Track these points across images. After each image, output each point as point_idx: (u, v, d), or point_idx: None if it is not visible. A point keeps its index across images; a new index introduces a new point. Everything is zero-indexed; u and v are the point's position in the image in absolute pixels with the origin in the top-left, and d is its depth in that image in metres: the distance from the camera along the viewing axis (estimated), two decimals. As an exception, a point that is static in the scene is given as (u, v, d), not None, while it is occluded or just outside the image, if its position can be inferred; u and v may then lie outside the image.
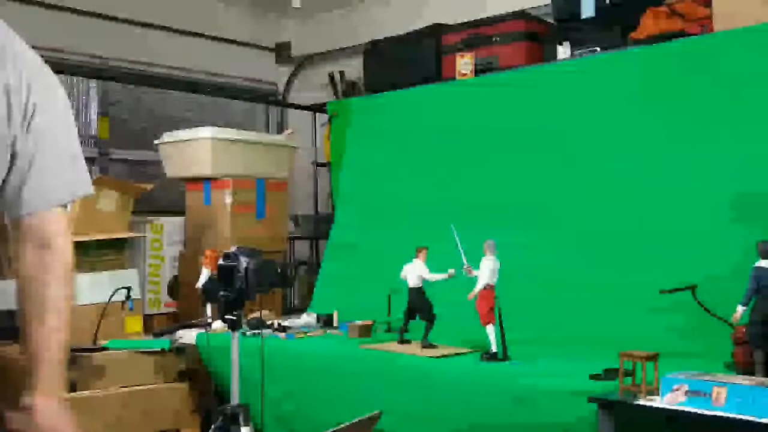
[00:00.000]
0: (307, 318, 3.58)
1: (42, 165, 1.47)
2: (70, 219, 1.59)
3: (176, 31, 5.13)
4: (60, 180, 1.51)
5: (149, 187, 4.09)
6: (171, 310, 4.31)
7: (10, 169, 1.46)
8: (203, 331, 3.20)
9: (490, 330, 2.58)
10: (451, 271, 2.68)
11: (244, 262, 1.99)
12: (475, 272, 2.57)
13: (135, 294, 3.67)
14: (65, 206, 1.56)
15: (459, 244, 2.65)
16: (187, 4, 5.19)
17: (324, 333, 3.35)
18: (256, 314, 3.29)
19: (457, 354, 2.73)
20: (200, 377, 3.28)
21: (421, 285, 2.84)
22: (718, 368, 2.22)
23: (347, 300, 3.67)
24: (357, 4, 5.31)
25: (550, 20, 3.88)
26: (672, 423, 1.98)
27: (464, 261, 2.59)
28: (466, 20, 4.15)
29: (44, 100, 1.48)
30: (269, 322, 3.44)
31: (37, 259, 1.52)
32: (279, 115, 5.86)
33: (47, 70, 1.55)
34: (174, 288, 4.31)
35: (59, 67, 4.33)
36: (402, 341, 2.93)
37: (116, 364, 3.18)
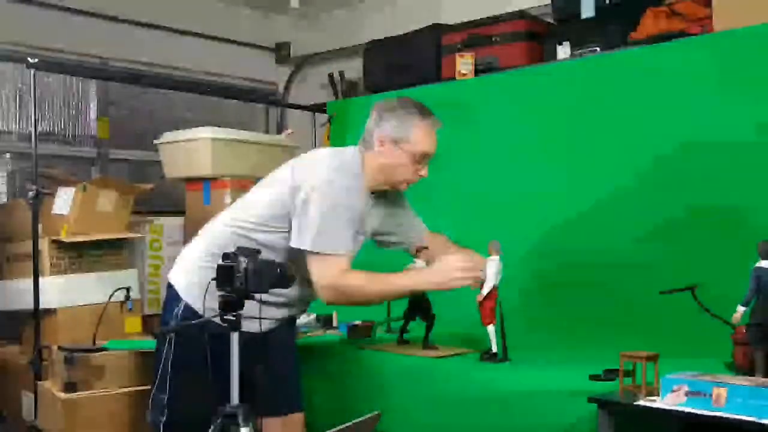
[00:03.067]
0: (307, 318, 3.57)
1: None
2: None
3: (176, 31, 5.13)
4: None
5: (149, 187, 4.09)
6: (171, 310, 4.30)
7: None
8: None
9: (491, 330, 2.58)
10: None
11: (243, 262, 1.99)
12: None
13: (134, 294, 3.67)
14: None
15: None
16: (187, 4, 5.19)
17: (324, 333, 3.35)
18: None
19: (457, 354, 2.73)
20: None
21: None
22: (718, 368, 2.22)
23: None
24: (357, 4, 5.30)
25: (550, 20, 3.88)
26: (672, 423, 1.98)
27: None
28: (466, 20, 4.15)
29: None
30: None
31: None
32: (279, 115, 5.86)
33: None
34: (174, 288, 4.30)
35: (60, 67, 4.36)
36: (402, 341, 2.93)
37: (116, 364, 3.19)
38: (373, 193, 2.53)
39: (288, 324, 2.66)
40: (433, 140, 2.51)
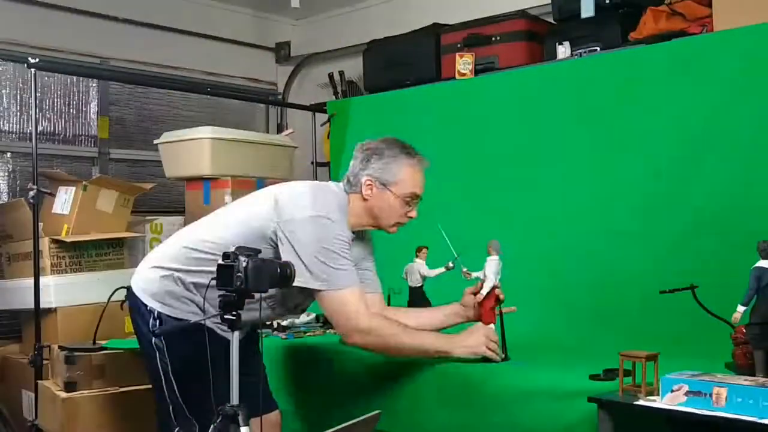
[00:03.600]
0: (307, 318, 3.57)
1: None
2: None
3: (176, 31, 5.12)
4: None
5: (148, 186, 4.09)
6: (171, 309, 4.30)
7: None
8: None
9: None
10: (449, 263, 2.67)
11: (243, 261, 1.99)
12: (473, 274, 2.57)
13: (135, 294, 3.66)
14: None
15: (449, 243, 2.67)
16: (187, 4, 5.19)
17: (324, 333, 3.35)
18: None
19: (457, 354, 2.72)
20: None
21: (421, 285, 2.84)
22: (718, 368, 2.21)
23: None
24: (357, 4, 5.30)
25: (550, 20, 3.88)
26: (672, 423, 1.98)
27: (460, 264, 2.60)
28: (465, 20, 4.15)
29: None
30: (269, 322, 3.44)
31: None
32: (279, 114, 5.86)
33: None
34: (174, 288, 4.30)
35: (60, 67, 4.36)
36: (402, 341, 2.92)
37: (116, 364, 3.19)
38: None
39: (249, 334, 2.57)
40: (422, 179, 2.49)
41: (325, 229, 2.30)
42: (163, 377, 2.38)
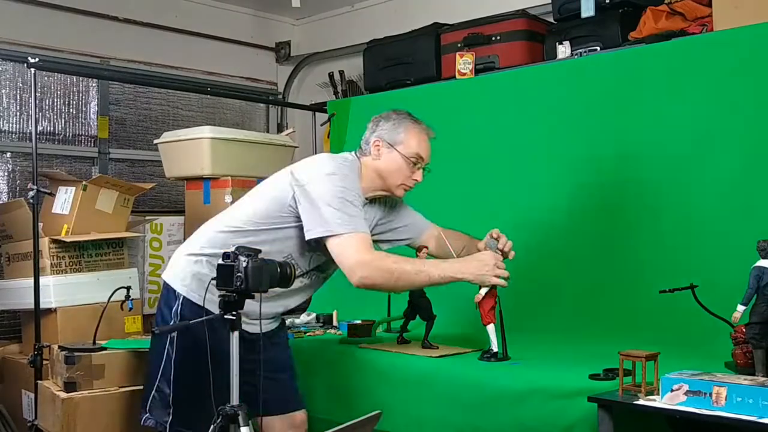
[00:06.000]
0: (307, 318, 3.57)
1: None
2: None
3: (176, 30, 5.12)
4: None
5: (148, 186, 4.09)
6: (171, 309, 4.30)
7: None
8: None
9: (491, 329, 2.58)
10: None
11: (243, 261, 1.99)
12: None
13: (134, 294, 3.67)
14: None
15: (448, 244, 2.69)
16: (187, 4, 5.19)
17: (324, 333, 3.35)
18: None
19: (457, 354, 2.73)
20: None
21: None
22: (718, 368, 2.22)
23: (347, 300, 3.66)
24: (357, 4, 5.30)
25: (550, 19, 3.88)
26: (672, 423, 1.98)
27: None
28: (465, 19, 4.15)
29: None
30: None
31: None
32: (279, 114, 5.86)
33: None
34: (173, 288, 4.30)
35: (60, 67, 4.36)
36: (402, 341, 2.93)
37: (116, 364, 3.18)
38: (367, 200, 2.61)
39: (281, 323, 2.71)
40: (427, 145, 2.62)
41: (340, 182, 2.42)
42: (163, 362, 2.44)
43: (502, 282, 2.46)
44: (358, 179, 2.53)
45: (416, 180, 2.59)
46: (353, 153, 2.64)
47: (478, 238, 2.66)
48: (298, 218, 2.42)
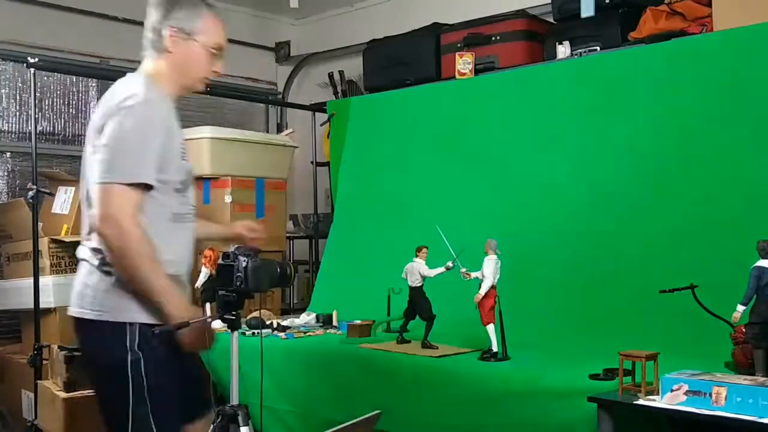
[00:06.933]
0: (307, 318, 3.58)
1: None
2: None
3: (176, 30, 5.12)
4: None
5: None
6: (170, 309, 4.30)
7: None
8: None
9: (491, 329, 2.58)
10: (449, 264, 2.68)
11: (243, 261, 1.99)
12: (472, 274, 2.57)
13: (134, 294, 3.66)
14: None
15: (447, 244, 2.68)
16: (187, 4, 5.19)
17: (324, 333, 3.35)
18: (256, 314, 3.29)
19: (457, 354, 2.73)
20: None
21: (421, 284, 2.84)
22: (718, 368, 2.22)
23: (347, 300, 3.67)
24: (357, 4, 5.31)
25: (550, 19, 3.88)
26: (672, 423, 1.98)
27: (459, 265, 2.60)
28: (465, 19, 4.15)
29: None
30: (269, 322, 3.44)
31: None
32: (278, 114, 5.86)
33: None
34: (173, 288, 4.30)
35: (59, 67, 4.36)
36: (402, 341, 2.93)
37: (116, 364, 3.18)
38: None
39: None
40: (224, 32, 2.28)
41: (136, 115, 2.04)
42: (134, 403, 2.04)
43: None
44: (162, 94, 2.17)
45: (217, 72, 2.27)
46: (141, 69, 2.28)
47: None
48: None
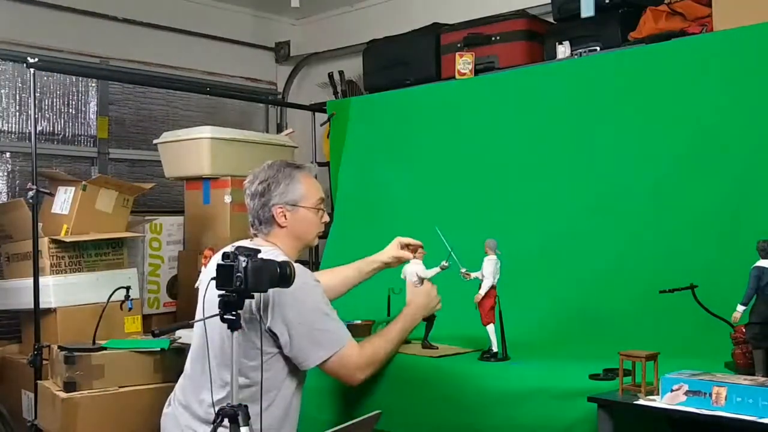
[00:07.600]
0: (307, 318, 3.56)
1: None
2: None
3: (176, 30, 5.12)
4: None
5: (148, 186, 4.09)
6: (170, 309, 4.31)
7: None
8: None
9: (491, 329, 2.57)
10: (444, 263, 2.68)
11: (243, 261, 1.99)
12: (472, 275, 2.57)
13: (134, 294, 3.67)
14: None
15: (446, 243, 2.67)
16: (187, 4, 5.19)
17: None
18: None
19: (457, 354, 2.72)
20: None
21: (421, 285, 2.84)
22: (718, 368, 2.21)
23: (347, 299, 3.66)
24: (357, 4, 5.31)
25: (550, 19, 3.88)
26: (672, 423, 1.98)
27: (459, 264, 2.60)
28: (465, 19, 4.15)
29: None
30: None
31: None
32: (278, 114, 5.86)
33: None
34: (173, 287, 4.31)
35: (59, 67, 4.36)
36: (402, 341, 2.93)
37: (115, 364, 3.18)
38: None
39: None
40: (318, 183, 2.60)
41: (301, 298, 2.33)
42: None
43: (439, 307, 2.66)
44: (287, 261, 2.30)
45: (325, 222, 2.58)
46: (257, 242, 2.45)
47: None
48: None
